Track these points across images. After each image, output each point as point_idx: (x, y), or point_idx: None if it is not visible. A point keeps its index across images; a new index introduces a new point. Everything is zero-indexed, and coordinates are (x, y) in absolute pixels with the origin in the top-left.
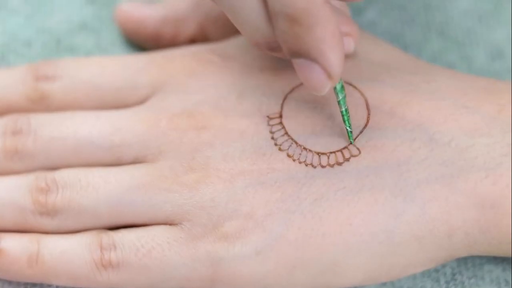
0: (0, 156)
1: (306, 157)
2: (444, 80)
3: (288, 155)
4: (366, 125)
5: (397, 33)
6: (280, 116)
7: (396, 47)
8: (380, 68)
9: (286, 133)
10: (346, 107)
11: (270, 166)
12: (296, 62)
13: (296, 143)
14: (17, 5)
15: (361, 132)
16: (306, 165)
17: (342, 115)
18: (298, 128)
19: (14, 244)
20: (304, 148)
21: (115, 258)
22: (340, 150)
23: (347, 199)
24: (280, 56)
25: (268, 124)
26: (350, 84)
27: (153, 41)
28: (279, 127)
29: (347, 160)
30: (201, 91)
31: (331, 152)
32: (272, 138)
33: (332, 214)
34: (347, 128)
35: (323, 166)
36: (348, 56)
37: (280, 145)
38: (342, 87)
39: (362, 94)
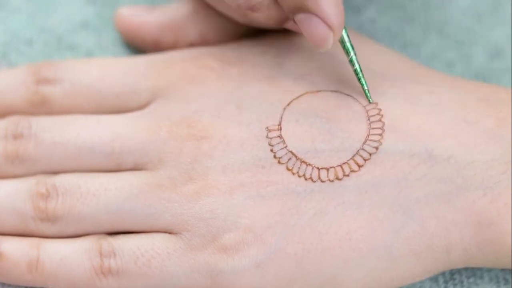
0: (1, 160)
1: (306, 170)
2: (445, 91)
3: (288, 168)
4: (366, 139)
5: (396, 32)
6: (280, 129)
7: (396, 52)
8: (380, 78)
9: (286, 146)
10: (358, 65)
11: (269, 179)
12: (298, 18)
13: (295, 156)
14: (19, 4)
15: (361, 147)
16: (306, 179)
17: (356, 74)
18: (297, 141)
19: (14, 248)
20: (304, 162)
21: (115, 266)
22: (340, 165)
23: (346, 214)
24: (258, 17)
25: (267, 136)
26: (351, 96)
27: (152, 46)
28: (279, 139)
29: (347, 175)
30: (200, 99)
31: (330, 167)
32: (272, 150)
33: (331, 229)
34: (363, 86)
35: (322, 181)
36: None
37: (280, 158)
38: (352, 46)
39: (363, 107)
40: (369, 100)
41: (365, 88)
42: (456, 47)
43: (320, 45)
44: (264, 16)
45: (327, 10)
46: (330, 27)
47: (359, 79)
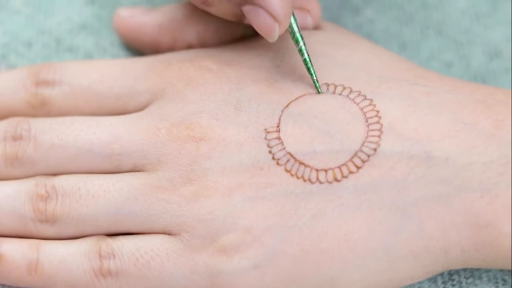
0: (0, 161)
1: (304, 172)
2: (443, 92)
3: (286, 170)
4: (364, 140)
5: (395, 32)
6: (278, 130)
7: (394, 53)
8: (378, 80)
9: (284, 147)
10: (307, 55)
11: (268, 180)
12: (245, 10)
13: (294, 157)
14: (18, 5)
15: (360, 148)
16: (304, 180)
17: (305, 64)
18: (296, 143)
19: (14, 250)
20: (302, 163)
21: (114, 267)
22: (338, 167)
23: (345, 216)
24: (214, 11)
25: (266, 138)
26: (349, 98)
27: (151, 48)
28: (277, 141)
29: (345, 177)
30: (199, 100)
31: (329, 168)
32: (270, 152)
33: (330, 230)
34: (312, 77)
35: (321, 182)
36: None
37: (278, 159)
38: (301, 36)
39: (361, 109)
40: (318, 90)
41: (314, 78)
42: (455, 47)
43: (267, 36)
44: (219, 10)
45: (272, 2)
46: (275, 18)
47: (308, 69)
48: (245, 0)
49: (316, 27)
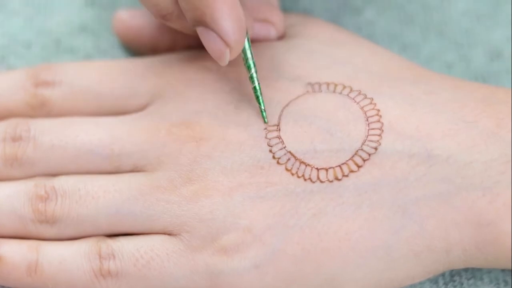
0: (0, 162)
1: (305, 171)
2: (443, 91)
3: (287, 169)
4: (365, 139)
5: (395, 33)
6: (278, 129)
7: (394, 53)
8: (379, 79)
9: (285, 146)
10: (258, 83)
11: (268, 180)
12: (198, 31)
13: (294, 156)
14: (18, 6)
15: (360, 147)
16: (305, 179)
17: (254, 92)
18: (296, 142)
19: (13, 251)
20: (303, 162)
21: (114, 268)
22: (339, 166)
23: (345, 215)
24: (174, 26)
25: (266, 137)
26: (349, 97)
27: (150, 49)
28: (277, 140)
29: (346, 176)
30: (199, 100)
31: (330, 167)
32: (270, 151)
33: (330, 230)
34: (260, 106)
35: (322, 181)
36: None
37: (279, 158)
38: (254, 63)
39: (361, 108)
40: (264, 120)
41: (262, 108)
42: (455, 48)
43: (217, 60)
44: (178, 25)
45: (224, 27)
46: (226, 43)
47: (257, 98)
48: (199, 22)
49: (280, 37)
